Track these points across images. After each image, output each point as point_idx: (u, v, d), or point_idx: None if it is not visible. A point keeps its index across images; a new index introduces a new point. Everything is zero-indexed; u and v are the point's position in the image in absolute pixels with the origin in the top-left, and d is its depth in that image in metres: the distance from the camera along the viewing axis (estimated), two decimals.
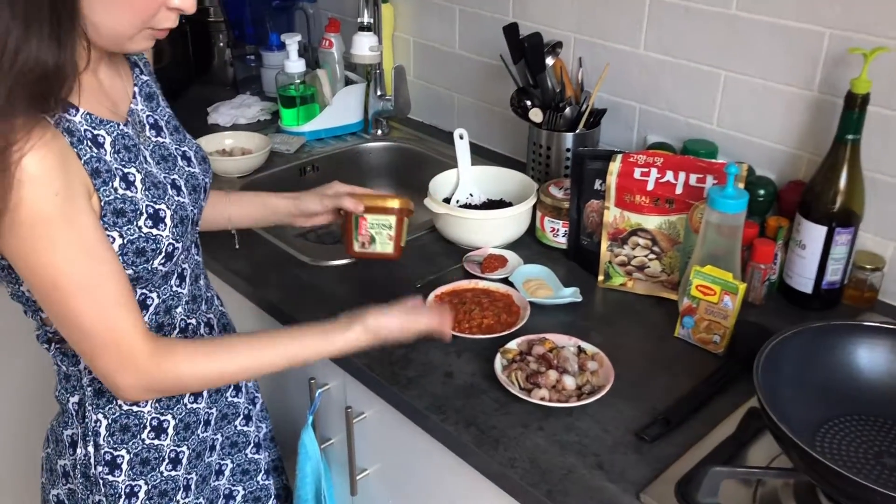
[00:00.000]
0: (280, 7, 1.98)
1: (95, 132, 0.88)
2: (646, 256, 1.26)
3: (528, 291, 1.24)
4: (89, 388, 0.98)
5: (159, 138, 0.99)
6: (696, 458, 0.96)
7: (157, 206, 0.91)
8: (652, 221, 1.24)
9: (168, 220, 0.92)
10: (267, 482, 1.21)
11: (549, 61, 1.50)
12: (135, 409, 1.00)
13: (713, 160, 1.27)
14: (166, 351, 0.90)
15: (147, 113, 0.99)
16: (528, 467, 0.96)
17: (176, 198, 0.95)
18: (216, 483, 1.13)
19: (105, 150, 0.88)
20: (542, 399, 1.03)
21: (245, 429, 1.16)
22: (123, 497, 1.01)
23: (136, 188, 0.90)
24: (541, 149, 1.51)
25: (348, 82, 1.88)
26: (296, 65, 1.78)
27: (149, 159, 0.94)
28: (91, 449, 1.00)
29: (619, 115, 1.53)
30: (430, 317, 1.03)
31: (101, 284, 0.84)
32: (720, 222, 1.13)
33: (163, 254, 0.93)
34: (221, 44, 2.03)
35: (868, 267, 1.23)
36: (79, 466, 1.02)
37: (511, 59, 1.51)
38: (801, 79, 1.27)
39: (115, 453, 1.00)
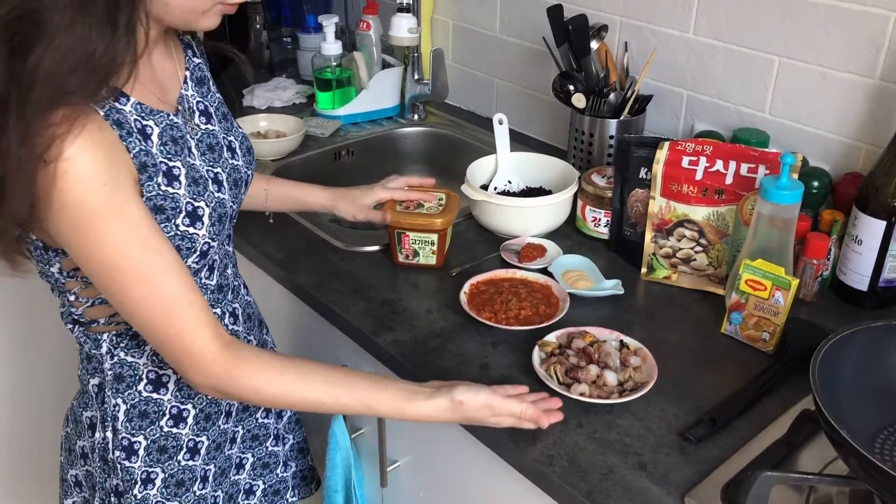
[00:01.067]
0: None
1: (144, 122, 0.85)
2: (692, 249, 1.21)
3: (567, 282, 1.20)
4: (110, 372, 0.96)
5: (209, 125, 0.96)
6: (744, 461, 0.91)
7: (196, 204, 0.89)
8: (699, 212, 1.18)
9: (206, 219, 0.90)
10: (285, 474, 1.19)
11: (594, 45, 1.45)
12: (154, 395, 0.98)
13: (766, 150, 1.21)
14: (237, 358, 0.86)
15: (197, 99, 0.97)
16: (567, 465, 0.92)
17: (216, 194, 0.93)
18: (236, 477, 1.12)
19: (152, 143, 0.86)
20: (582, 395, 0.99)
21: (265, 420, 1.14)
22: (139, 483, 0.99)
23: (179, 183, 0.87)
24: (583, 136, 1.47)
25: (385, 65, 1.85)
26: (332, 47, 1.75)
27: (194, 150, 0.92)
28: (109, 434, 0.98)
29: (666, 101, 1.47)
30: (525, 407, 0.91)
31: (158, 277, 0.82)
32: (773, 214, 1.08)
33: (197, 252, 0.90)
34: (258, 25, 2.00)
35: None
36: (97, 450, 1.01)
37: (554, 43, 1.46)
38: (863, 65, 1.20)
39: (133, 439, 0.98)
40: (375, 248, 1.34)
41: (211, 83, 1.01)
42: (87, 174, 0.76)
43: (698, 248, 1.21)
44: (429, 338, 1.12)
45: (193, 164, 0.91)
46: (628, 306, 1.19)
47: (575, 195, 1.35)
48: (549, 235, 1.34)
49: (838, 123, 1.26)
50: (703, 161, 1.18)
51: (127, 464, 0.98)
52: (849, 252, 1.18)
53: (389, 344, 1.11)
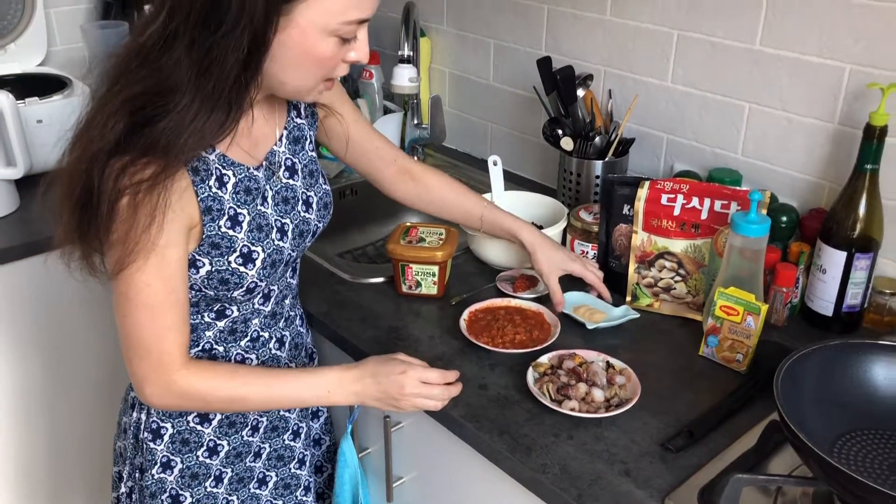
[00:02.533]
0: None
1: (224, 171, 0.98)
2: (672, 279, 1.31)
3: (583, 317, 1.30)
4: None
5: (290, 181, 1.08)
6: (719, 468, 1.01)
7: (252, 248, 1.01)
8: (678, 245, 1.30)
9: (258, 262, 1.02)
10: (306, 498, 1.27)
11: (580, 93, 1.57)
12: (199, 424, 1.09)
13: (737, 188, 1.33)
14: (195, 367, 1.00)
15: (287, 156, 1.09)
16: (559, 473, 1.01)
17: (277, 242, 1.05)
18: (257, 491, 1.20)
19: (226, 189, 0.98)
20: (573, 410, 1.09)
21: (292, 444, 1.23)
22: (159, 465, 1.11)
23: (240, 228, 1.00)
24: (571, 175, 1.58)
25: (386, 111, 1.97)
26: None
27: (268, 200, 1.04)
28: (143, 416, 1.10)
29: (647, 144, 1.59)
30: (412, 387, 1.08)
31: (165, 310, 0.96)
32: (743, 246, 1.19)
33: (244, 288, 1.03)
34: None
35: (887, 291, 1.28)
36: (131, 428, 1.13)
37: (544, 91, 1.59)
38: (823, 111, 1.33)
39: (161, 424, 1.10)
40: (380, 279, 1.44)
41: (307, 142, 1.13)
42: (142, 214, 0.89)
43: (678, 278, 1.31)
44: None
45: (264, 212, 1.03)
46: (614, 331, 1.29)
47: (564, 230, 1.46)
48: None
49: (803, 163, 1.38)
50: (680, 198, 1.30)
51: (152, 445, 1.10)
52: (815, 280, 1.29)
53: None
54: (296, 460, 1.24)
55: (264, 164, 1.05)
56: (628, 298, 1.35)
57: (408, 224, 1.42)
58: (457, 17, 1.89)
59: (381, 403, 1.09)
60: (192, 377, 1.00)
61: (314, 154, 1.15)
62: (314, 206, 1.12)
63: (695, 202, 1.29)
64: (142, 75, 0.89)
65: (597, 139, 1.56)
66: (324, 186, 1.15)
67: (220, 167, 0.98)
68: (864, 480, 0.81)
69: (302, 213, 1.10)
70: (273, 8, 0.87)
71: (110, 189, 0.88)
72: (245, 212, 1.01)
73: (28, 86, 1.79)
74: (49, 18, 2.04)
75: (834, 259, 1.25)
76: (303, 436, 1.24)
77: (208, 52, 0.87)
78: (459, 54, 1.92)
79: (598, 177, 1.55)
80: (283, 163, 1.08)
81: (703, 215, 1.28)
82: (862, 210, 1.22)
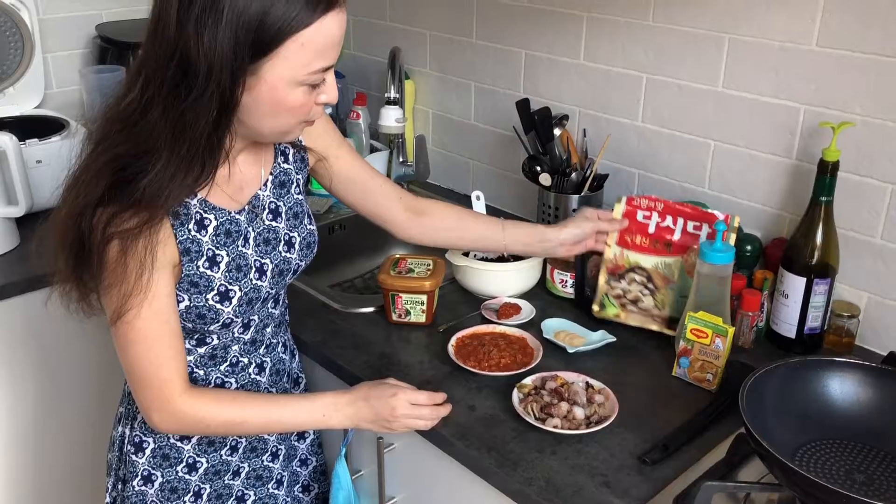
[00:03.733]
0: None
1: (205, 215, 1.05)
2: (640, 292, 1.39)
3: (563, 341, 1.37)
4: None
5: (273, 223, 1.15)
6: (692, 477, 1.08)
7: (229, 287, 1.08)
8: (649, 261, 1.38)
9: (234, 301, 1.09)
10: None
11: (557, 132, 1.66)
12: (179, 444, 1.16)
13: (709, 210, 1.39)
14: (198, 393, 1.08)
15: (271, 199, 1.15)
16: (544, 485, 1.08)
17: (255, 281, 1.12)
18: None
19: (205, 232, 1.05)
20: (555, 427, 1.17)
21: (270, 465, 1.28)
22: (140, 478, 1.17)
23: (217, 268, 1.07)
24: (550, 209, 1.67)
25: (373, 150, 2.05)
26: None
27: (250, 241, 1.11)
28: (128, 430, 1.17)
29: (620, 179, 1.69)
30: (403, 408, 1.16)
31: (159, 340, 1.03)
32: (711, 273, 1.28)
33: (220, 323, 1.10)
34: None
35: (845, 315, 1.37)
36: (117, 441, 1.19)
37: (522, 130, 1.68)
38: (782, 148, 1.43)
39: (144, 438, 1.16)
40: (370, 309, 1.52)
41: (294, 186, 1.19)
42: (131, 262, 0.97)
43: (646, 292, 1.39)
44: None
45: (245, 253, 1.10)
46: (592, 354, 1.37)
47: (544, 261, 1.55)
48: (523, 295, 1.54)
49: (765, 196, 1.48)
50: (655, 217, 1.38)
51: (134, 458, 1.16)
52: (778, 305, 1.38)
53: None
54: (274, 480, 1.29)
55: (247, 207, 1.11)
56: (595, 308, 1.42)
57: (397, 256, 1.50)
58: (439, 62, 2.00)
59: (374, 426, 1.16)
60: (196, 403, 1.07)
61: (301, 197, 1.20)
62: (296, 246, 1.19)
63: (668, 221, 1.37)
64: (122, 139, 0.95)
65: (573, 175, 1.65)
66: (308, 227, 1.22)
67: (200, 212, 1.05)
68: (825, 484, 0.90)
69: (283, 254, 1.16)
70: (239, 72, 0.92)
71: (99, 238, 0.95)
72: (224, 253, 1.08)
73: (27, 128, 1.86)
74: (46, 63, 2.12)
75: (795, 285, 1.34)
76: (281, 457, 1.30)
77: (181, 116, 0.93)
78: (442, 96, 2.02)
79: (574, 210, 1.64)
80: (266, 206, 1.14)
81: (676, 235, 1.36)
82: (819, 239, 1.32)
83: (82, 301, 1.03)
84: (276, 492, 1.30)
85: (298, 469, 1.36)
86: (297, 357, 1.36)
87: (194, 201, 1.04)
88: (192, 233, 1.04)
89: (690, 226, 1.36)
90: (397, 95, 1.90)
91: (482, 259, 1.62)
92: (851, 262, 1.37)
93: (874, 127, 1.30)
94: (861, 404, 1.08)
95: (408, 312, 1.44)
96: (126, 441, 1.18)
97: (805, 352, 1.37)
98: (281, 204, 1.16)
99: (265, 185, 1.14)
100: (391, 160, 1.99)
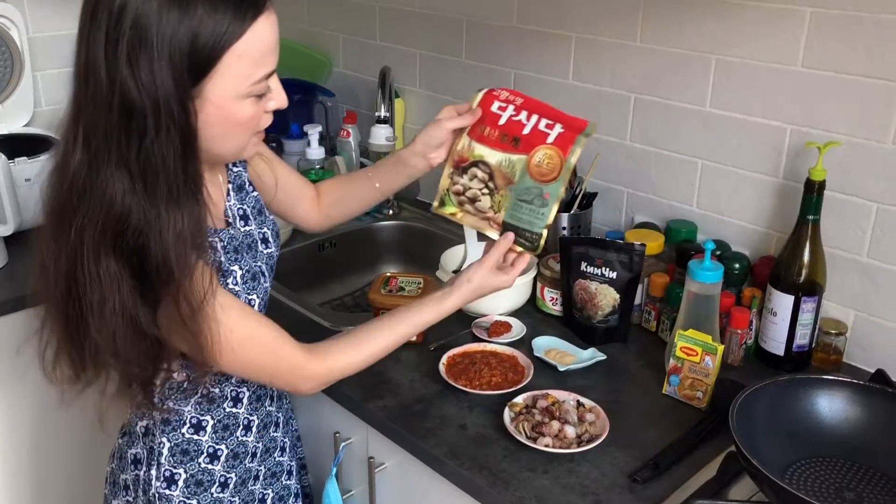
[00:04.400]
0: (301, 101, 2.18)
1: (212, 240, 1.05)
2: (480, 190, 1.22)
3: (554, 360, 1.38)
4: (158, 416, 1.14)
5: (247, 227, 1.15)
6: (682, 497, 1.09)
7: (250, 297, 1.10)
8: (494, 156, 1.20)
9: (256, 308, 1.11)
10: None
11: None
12: (195, 437, 1.15)
13: (571, 116, 1.20)
14: (324, 354, 1.11)
15: (238, 206, 1.15)
16: None
17: (264, 284, 1.13)
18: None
19: (220, 253, 1.06)
20: (546, 446, 1.17)
21: (281, 459, 1.29)
22: None
23: (237, 282, 1.08)
24: None
25: (362, 167, 2.06)
26: (316, 152, 1.96)
27: (245, 252, 1.12)
28: (154, 471, 1.15)
29: (609, 197, 1.70)
30: (509, 279, 1.20)
31: (259, 330, 1.05)
32: (699, 291, 1.29)
33: None
34: None
35: (833, 332, 1.38)
36: (141, 483, 1.17)
37: None
38: (768, 167, 1.45)
39: (174, 471, 1.15)
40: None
41: (247, 184, 1.19)
42: (203, 283, 0.96)
43: (485, 191, 1.21)
44: (413, 403, 1.29)
45: (252, 263, 1.11)
46: (583, 373, 1.38)
47: (535, 278, 1.56)
48: (514, 313, 1.54)
49: (753, 215, 1.50)
50: (510, 109, 1.21)
51: (167, 492, 1.15)
52: (767, 323, 1.39)
53: (379, 409, 1.28)
54: (285, 472, 1.30)
55: (227, 220, 1.12)
56: (436, 203, 1.25)
57: (388, 274, 1.50)
58: (429, 81, 2.01)
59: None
60: (327, 363, 1.10)
61: (256, 194, 1.20)
62: (271, 239, 1.19)
63: (522, 116, 1.20)
64: (88, 209, 0.90)
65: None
66: (271, 218, 1.22)
67: (212, 238, 1.04)
68: (815, 502, 0.90)
69: (265, 252, 1.17)
70: (186, 100, 0.89)
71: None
72: (237, 268, 1.08)
73: (16, 146, 1.85)
74: (36, 81, 2.12)
75: (783, 302, 1.36)
76: (280, 425, 1.29)
77: (147, 162, 0.88)
78: (432, 114, 2.00)
79: (564, 228, 1.65)
80: (236, 214, 1.14)
81: (526, 130, 1.19)
82: (806, 257, 1.33)
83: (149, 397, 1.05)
84: (288, 482, 1.31)
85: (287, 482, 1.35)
86: None
87: None
88: (213, 256, 1.03)
89: (543, 123, 1.19)
90: (387, 114, 1.91)
91: None
92: (838, 279, 1.39)
93: (859, 147, 1.32)
94: (850, 422, 1.09)
95: None
96: (153, 481, 1.15)
97: (793, 369, 1.38)
98: (245, 206, 1.17)
99: (228, 194, 1.14)
100: None
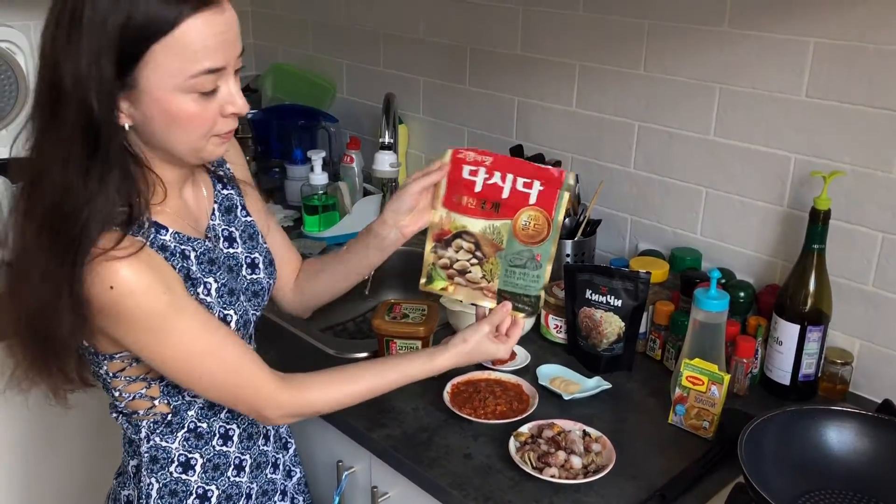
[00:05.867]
0: (305, 126, 2.19)
1: (183, 247, 1.04)
2: (468, 261, 1.20)
3: (559, 388, 1.37)
4: (146, 455, 1.11)
5: (231, 249, 1.14)
6: None
7: (226, 312, 1.08)
8: (477, 224, 1.19)
9: (232, 325, 1.08)
10: None
11: None
12: (183, 476, 1.12)
13: (546, 167, 1.18)
14: (299, 385, 1.08)
15: (223, 227, 1.15)
16: None
17: (244, 304, 1.12)
18: None
19: (192, 262, 1.05)
20: (553, 477, 1.16)
21: (273, 476, 1.25)
22: None
23: (211, 295, 1.06)
24: None
25: (366, 193, 2.06)
26: (320, 177, 1.97)
27: (222, 268, 1.10)
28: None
29: (613, 225, 1.70)
30: (504, 350, 1.18)
31: (222, 346, 1.02)
32: (705, 320, 1.29)
33: None
34: (247, 157, 2.22)
35: (838, 361, 1.38)
36: None
37: None
38: (773, 196, 1.45)
39: None
40: (364, 354, 1.51)
41: (240, 210, 1.18)
42: (148, 289, 0.95)
43: (474, 261, 1.20)
44: (417, 432, 1.28)
45: (227, 277, 1.09)
46: (588, 401, 1.37)
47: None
48: (519, 341, 1.52)
49: (757, 243, 1.50)
50: (482, 172, 1.18)
51: None
52: (772, 352, 1.39)
53: (383, 438, 1.27)
54: (278, 492, 1.26)
55: (208, 235, 1.11)
56: (423, 280, 1.24)
57: (391, 301, 1.50)
58: (433, 107, 2.02)
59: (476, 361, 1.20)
60: (298, 394, 1.07)
61: (249, 219, 1.19)
62: (260, 266, 1.17)
63: (496, 178, 1.17)
64: (34, 187, 0.93)
65: (566, 221, 1.66)
66: (264, 245, 1.20)
67: (178, 245, 1.03)
68: None
69: (248, 277, 1.15)
70: (109, 85, 0.90)
71: (98, 289, 0.93)
72: (212, 280, 1.07)
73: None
74: None
75: (788, 332, 1.35)
76: (280, 467, 1.26)
77: (64, 142, 0.91)
78: (435, 140, 2.04)
79: (568, 255, 1.65)
80: (220, 234, 1.13)
81: (505, 194, 1.17)
82: (812, 286, 1.33)
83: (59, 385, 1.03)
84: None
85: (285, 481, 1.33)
86: None
87: (168, 236, 1.02)
88: (181, 262, 1.03)
89: (520, 183, 1.16)
90: (391, 140, 1.91)
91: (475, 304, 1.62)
92: (844, 309, 1.38)
93: (863, 176, 1.33)
94: (858, 454, 1.08)
95: None
96: None
97: (799, 399, 1.37)
98: (233, 229, 1.16)
99: (213, 214, 1.14)
100: (384, 204, 2.00)
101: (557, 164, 1.71)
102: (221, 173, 1.19)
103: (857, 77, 1.30)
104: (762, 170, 1.45)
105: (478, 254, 1.19)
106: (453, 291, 1.22)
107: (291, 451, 1.31)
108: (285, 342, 1.55)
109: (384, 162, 1.90)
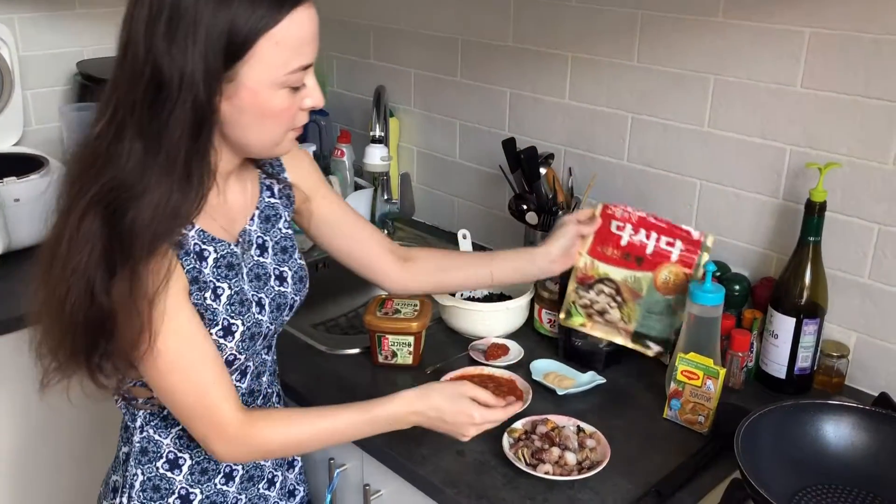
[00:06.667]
0: None
1: (203, 247, 1.02)
2: (608, 304, 1.32)
3: (553, 383, 1.36)
4: (137, 444, 1.10)
5: (261, 258, 1.12)
6: None
7: (232, 321, 1.04)
8: (618, 273, 1.31)
9: (237, 335, 1.05)
10: None
11: (543, 171, 1.66)
12: (169, 474, 1.11)
13: (688, 228, 1.33)
14: (253, 420, 1.02)
15: (258, 234, 1.12)
16: None
17: (257, 315, 1.08)
18: None
19: (206, 264, 1.02)
20: (547, 473, 1.14)
21: (267, 493, 1.22)
22: None
23: (220, 301, 1.03)
24: None
25: (357, 187, 2.04)
26: None
27: (244, 276, 1.08)
28: (125, 499, 1.11)
29: None
30: (475, 430, 1.11)
31: (197, 367, 0.99)
32: (700, 313, 1.27)
33: (223, 359, 1.05)
34: None
35: (834, 354, 1.36)
36: None
37: (508, 169, 1.68)
38: (768, 188, 1.44)
39: None
40: (356, 350, 1.49)
41: (281, 221, 1.16)
42: (160, 285, 0.93)
43: (613, 304, 1.32)
44: (410, 429, 1.25)
45: (243, 287, 1.06)
46: (582, 397, 1.35)
47: (532, 300, 1.54)
48: (511, 336, 1.52)
49: (752, 236, 1.48)
50: (628, 228, 1.32)
51: None
52: (768, 345, 1.37)
53: (375, 436, 1.25)
54: None
55: (239, 240, 1.09)
56: (562, 315, 1.35)
57: (383, 296, 1.48)
58: (424, 100, 2.00)
59: (443, 431, 1.12)
60: (254, 429, 1.02)
61: (289, 231, 1.17)
62: (289, 280, 1.15)
63: (641, 235, 1.32)
64: (97, 173, 0.92)
65: (559, 213, 1.64)
66: (298, 261, 1.19)
67: (199, 243, 1.01)
68: None
69: (276, 288, 1.13)
70: (214, 79, 0.91)
71: (112, 300, 0.91)
72: (225, 286, 1.04)
73: (5, 165, 1.83)
74: (26, 99, 2.09)
75: (784, 325, 1.34)
76: (277, 485, 1.25)
77: (158, 135, 0.90)
78: (427, 133, 2.02)
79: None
80: (254, 241, 1.11)
81: (649, 250, 1.31)
82: (808, 279, 1.32)
83: (92, 377, 0.99)
84: None
85: (287, 501, 1.31)
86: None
87: (192, 232, 1.01)
88: (194, 263, 1.00)
89: (664, 241, 1.32)
90: (382, 133, 1.89)
91: (468, 298, 1.61)
92: (840, 301, 1.37)
93: (859, 167, 1.31)
94: (856, 448, 1.07)
95: (394, 354, 1.41)
96: None
97: (795, 392, 1.36)
98: (268, 238, 1.13)
99: (252, 219, 1.12)
100: (376, 198, 1.98)
101: (550, 156, 1.70)
102: (276, 183, 1.17)
103: (852, 67, 1.29)
104: (757, 161, 1.44)
105: (618, 298, 1.32)
106: (591, 328, 1.34)
107: (297, 468, 1.30)
108: (276, 338, 1.52)
109: (375, 155, 1.88)
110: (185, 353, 0.98)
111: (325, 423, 1.07)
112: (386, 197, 1.98)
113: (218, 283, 1.03)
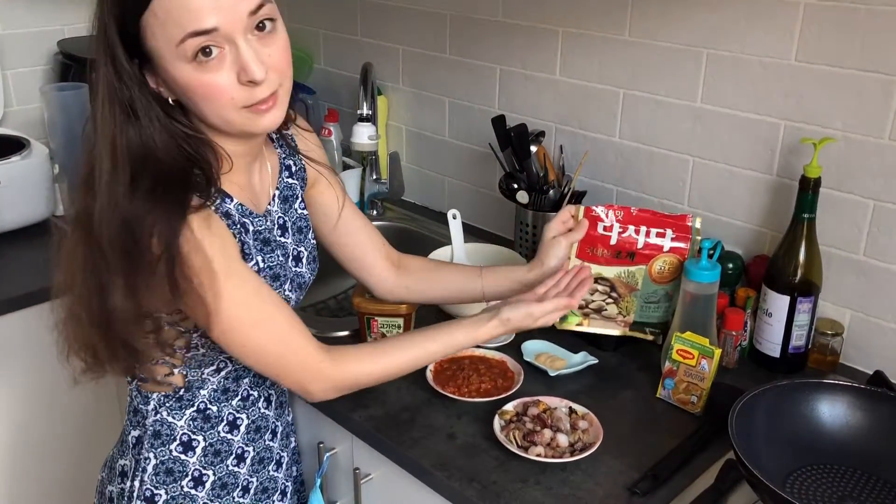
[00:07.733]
0: None
1: (243, 219, 1.02)
2: (603, 301, 1.31)
3: (544, 364, 1.34)
4: (150, 428, 1.09)
5: (282, 238, 1.11)
6: None
7: None
8: (611, 271, 1.30)
9: None
10: None
11: (533, 149, 1.64)
12: (182, 457, 1.10)
13: (671, 215, 1.31)
14: (341, 358, 1.06)
15: (279, 214, 1.12)
16: None
17: (287, 292, 1.09)
18: None
19: (249, 236, 1.02)
20: (539, 455, 1.13)
21: (276, 474, 1.22)
22: None
23: (260, 273, 1.04)
24: (527, 227, 1.64)
25: (346, 167, 2.01)
26: None
27: (277, 252, 1.08)
28: (136, 483, 1.09)
29: (598, 196, 1.66)
30: (556, 303, 1.13)
31: (272, 317, 1.00)
32: (696, 291, 1.25)
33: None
34: None
35: (829, 333, 1.35)
36: (125, 496, 1.12)
37: (499, 147, 1.65)
38: (762, 164, 1.42)
39: (155, 491, 1.09)
40: (345, 332, 1.47)
41: (298, 201, 1.16)
42: (210, 250, 0.92)
43: (609, 300, 1.31)
44: (400, 412, 1.24)
45: (279, 262, 1.08)
46: (574, 377, 1.34)
47: None
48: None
49: (746, 213, 1.46)
50: (616, 227, 1.29)
51: None
52: (762, 324, 1.36)
53: (365, 419, 1.23)
54: (279, 491, 1.23)
55: (267, 215, 1.10)
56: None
57: None
58: (412, 77, 1.96)
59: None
60: (344, 368, 1.05)
61: (304, 211, 1.18)
62: (304, 259, 1.16)
63: (630, 231, 1.30)
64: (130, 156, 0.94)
65: (550, 192, 1.62)
66: (312, 241, 1.19)
67: (240, 216, 1.02)
68: None
69: (294, 269, 1.13)
70: (129, 66, 0.92)
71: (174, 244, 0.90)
72: (260, 259, 1.05)
73: None
74: (6, 80, 2.05)
75: (778, 303, 1.32)
76: (284, 466, 1.24)
77: (131, 99, 0.93)
78: (415, 112, 1.98)
79: None
80: (276, 221, 1.11)
81: (640, 244, 1.29)
82: (802, 256, 1.30)
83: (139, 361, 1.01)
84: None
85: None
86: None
87: (232, 205, 1.01)
88: (242, 234, 1.01)
89: (653, 234, 1.29)
90: (370, 112, 1.86)
91: None
92: (834, 279, 1.35)
93: (855, 142, 1.29)
94: (851, 427, 1.06)
95: (384, 336, 1.39)
96: (135, 496, 1.10)
97: (789, 371, 1.35)
98: (287, 219, 1.14)
99: (273, 199, 1.12)
100: (364, 177, 1.95)
101: (541, 134, 1.67)
102: (291, 163, 1.17)
103: (848, 40, 1.26)
104: (750, 137, 1.42)
105: (613, 294, 1.31)
106: (588, 324, 1.33)
107: (292, 446, 1.29)
108: None
109: (363, 134, 1.85)
110: (262, 308, 0.99)
111: (405, 356, 1.10)
112: (375, 177, 1.95)
113: (256, 256, 1.04)
